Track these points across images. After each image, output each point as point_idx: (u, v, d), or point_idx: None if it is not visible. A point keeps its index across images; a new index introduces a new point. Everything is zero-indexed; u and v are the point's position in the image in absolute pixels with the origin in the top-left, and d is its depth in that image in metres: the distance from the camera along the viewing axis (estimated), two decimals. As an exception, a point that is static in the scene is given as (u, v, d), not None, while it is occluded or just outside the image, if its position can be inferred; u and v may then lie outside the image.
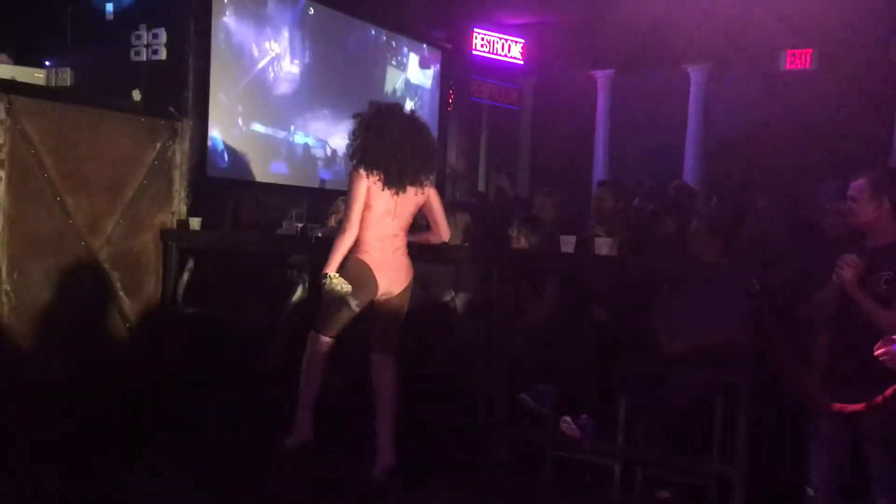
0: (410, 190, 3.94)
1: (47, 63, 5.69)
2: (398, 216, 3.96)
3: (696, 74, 11.77)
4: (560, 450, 4.06)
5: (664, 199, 5.96)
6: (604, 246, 4.11)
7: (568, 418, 3.98)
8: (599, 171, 12.36)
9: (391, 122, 3.91)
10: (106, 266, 4.86)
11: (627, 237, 4.64)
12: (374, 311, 4.01)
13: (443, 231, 4.19)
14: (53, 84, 5.09)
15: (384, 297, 3.99)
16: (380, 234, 3.92)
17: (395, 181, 3.87)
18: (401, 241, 4.02)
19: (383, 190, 3.87)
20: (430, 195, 4.08)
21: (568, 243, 4.18)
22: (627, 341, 4.12)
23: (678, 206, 5.33)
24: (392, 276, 3.97)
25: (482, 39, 11.50)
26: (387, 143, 3.85)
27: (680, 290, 4.12)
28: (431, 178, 4.05)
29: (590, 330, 4.38)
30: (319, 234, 4.76)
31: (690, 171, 11.48)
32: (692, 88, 11.82)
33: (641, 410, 3.92)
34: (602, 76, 12.53)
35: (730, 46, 10.84)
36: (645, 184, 8.55)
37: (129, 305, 5.01)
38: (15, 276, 4.33)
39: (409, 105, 8.52)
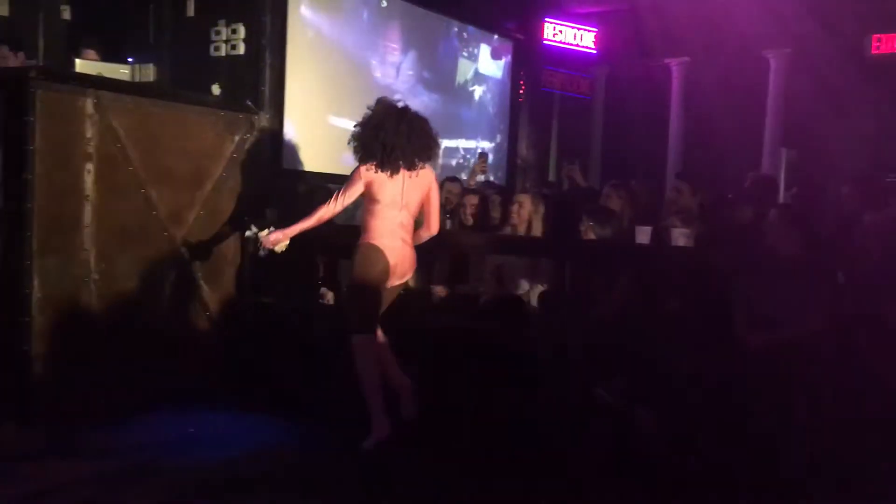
0: (407, 174, 4.06)
1: (130, 59, 5.89)
2: (406, 205, 4.10)
3: (775, 60, 11.41)
4: (633, 443, 4.01)
5: (742, 188, 5.81)
6: (680, 237, 4.05)
7: (642, 411, 3.94)
8: (673, 160, 12.12)
9: (375, 111, 4.11)
10: (187, 256, 5.01)
11: (704, 228, 4.54)
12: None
13: (434, 224, 4.27)
14: (137, 80, 5.25)
15: (391, 286, 4.14)
16: (389, 224, 4.07)
17: (387, 162, 4.00)
18: (408, 232, 4.15)
19: (377, 173, 4.01)
20: (431, 184, 4.20)
21: (643, 234, 4.14)
22: (704, 334, 4.04)
23: (757, 195, 5.19)
24: (403, 265, 4.12)
25: (554, 29, 11.38)
26: (372, 128, 4.05)
27: (759, 283, 4.02)
28: (428, 164, 4.16)
29: (665, 322, 4.31)
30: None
31: (769, 160, 11.16)
32: (771, 75, 11.46)
33: (716, 404, 3.84)
34: (676, 64, 12.27)
35: (811, 31, 10.46)
36: (722, 173, 8.36)
37: (210, 295, 5.15)
38: (102, 265, 4.49)
39: (478, 94, 8.52)
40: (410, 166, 4.06)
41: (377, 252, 4.04)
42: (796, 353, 3.63)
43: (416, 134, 4.07)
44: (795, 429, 3.58)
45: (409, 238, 4.15)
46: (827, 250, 4.15)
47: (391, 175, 4.02)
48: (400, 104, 4.15)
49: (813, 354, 3.53)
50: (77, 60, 5.02)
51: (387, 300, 4.18)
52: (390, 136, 4.01)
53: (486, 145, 8.63)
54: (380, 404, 4.09)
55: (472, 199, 5.55)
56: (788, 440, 3.62)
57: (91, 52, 5.64)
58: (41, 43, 5.89)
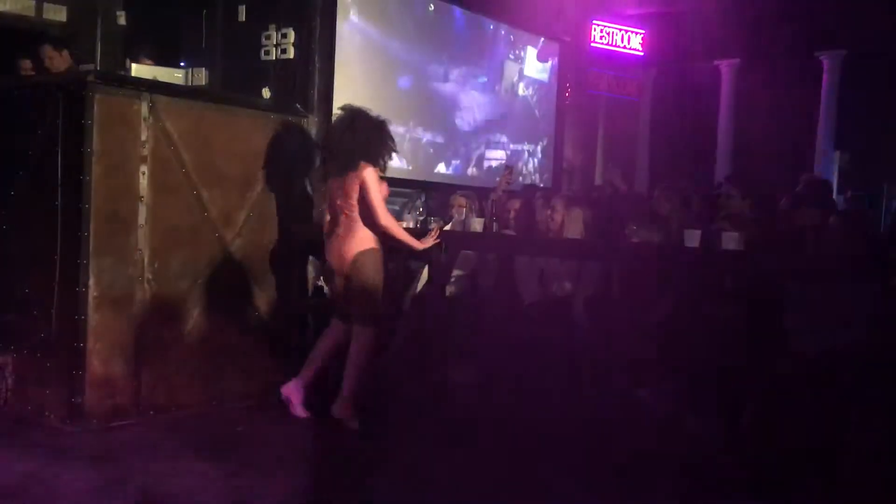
0: (339, 181, 4.39)
1: (183, 64, 6.01)
2: (334, 205, 4.46)
3: (829, 62, 11.18)
4: (679, 449, 3.96)
5: (793, 192, 5.71)
6: (731, 241, 3.99)
7: (690, 417, 3.89)
8: (722, 164, 11.95)
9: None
10: (237, 257, 5.08)
11: (756, 231, 4.47)
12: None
13: (376, 218, 4.34)
14: (191, 83, 5.35)
15: (337, 275, 4.46)
16: (329, 223, 4.52)
17: (325, 172, 4.52)
18: (345, 228, 4.38)
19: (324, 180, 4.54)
20: (362, 182, 4.32)
21: (693, 238, 4.09)
22: (756, 340, 3.97)
23: (810, 199, 5.09)
24: (333, 259, 4.45)
25: (601, 31, 11.30)
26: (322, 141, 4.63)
27: (816, 289, 3.94)
28: (365, 169, 4.33)
29: (715, 327, 4.25)
30: (446, 227, 4.85)
31: (822, 164, 10.94)
32: (825, 77, 11.24)
33: (770, 412, 3.78)
34: (727, 66, 12.10)
35: (865, 32, 10.25)
36: (772, 176, 8.22)
37: (259, 296, 5.21)
38: (156, 265, 4.58)
39: (524, 96, 8.50)
40: (338, 171, 4.36)
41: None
42: (852, 359, 3.56)
43: (353, 141, 4.33)
44: (847, 435, 3.51)
45: (343, 232, 4.38)
46: (886, 255, 4.06)
47: (325, 178, 4.49)
48: (357, 109, 4.46)
49: (869, 362, 3.45)
50: (133, 65, 5.13)
51: (343, 294, 4.44)
52: (331, 143, 4.44)
53: (530, 148, 8.62)
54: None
55: (515, 204, 5.54)
56: (839, 446, 3.54)
57: (148, 61, 5.76)
58: (98, 48, 6.03)
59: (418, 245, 4.46)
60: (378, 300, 4.37)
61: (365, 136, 4.36)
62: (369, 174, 4.33)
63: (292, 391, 4.49)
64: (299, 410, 4.48)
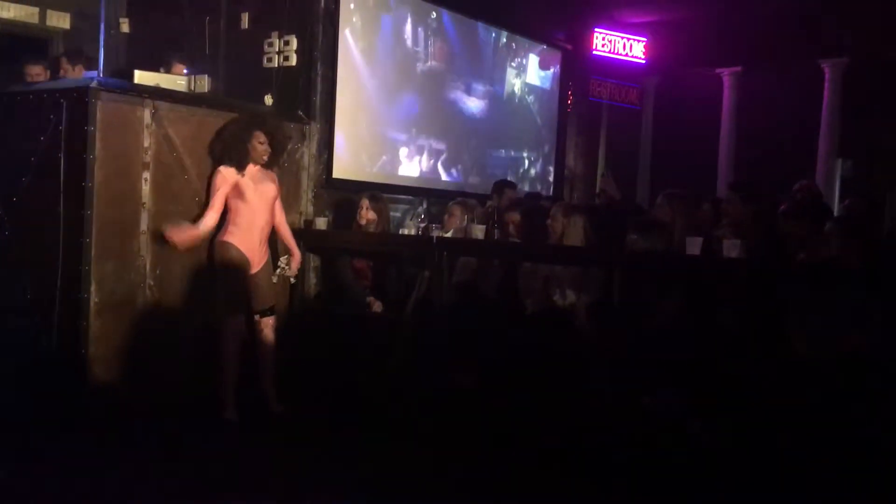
0: None
1: (186, 71, 6.01)
2: None
3: (831, 70, 11.18)
4: (683, 452, 3.95)
5: (790, 199, 5.71)
6: (732, 248, 3.99)
7: (697, 422, 3.88)
8: (724, 171, 11.94)
9: None
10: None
11: (758, 239, 4.47)
12: None
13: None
14: (193, 90, 5.36)
15: None
16: None
17: None
18: None
19: None
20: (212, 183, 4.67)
21: (694, 245, 4.09)
22: (760, 345, 3.97)
23: (806, 206, 5.10)
24: None
25: (603, 39, 11.29)
26: None
27: (818, 294, 3.94)
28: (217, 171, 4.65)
29: (718, 333, 4.25)
30: (446, 234, 4.85)
31: (823, 171, 10.92)
32: (827, 85, 11.22)
33: (774, 417, 3.77)
34: (728, 74, 12.10)
35: (871, 39, 10.25)
36: (774, 184, 8.21)
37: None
38: (157, 271, 4.60)
39: (525, 104, 8.51)
40: None
41: None
42: (854, 364, 3.56)
43: (213, 144, 4.76)
44: (855, 439, 3.50)
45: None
46: (885, 262, 4.06)
47: None
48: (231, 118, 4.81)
49: (873, 366, 3.45)
50: (136, 72, 5.14)
51: None
52: None
53: (531, 155, 8.63)
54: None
55: (514, 216, 5.50)
56: (848, 450, 3.54)
57: (179, 66, 5.77)
58: (101, 55, 6.06)
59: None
60: (221, 293, 4.60)
61: (219, 140, 4.68)
62: (216, 174, 4.62)
63: None
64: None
